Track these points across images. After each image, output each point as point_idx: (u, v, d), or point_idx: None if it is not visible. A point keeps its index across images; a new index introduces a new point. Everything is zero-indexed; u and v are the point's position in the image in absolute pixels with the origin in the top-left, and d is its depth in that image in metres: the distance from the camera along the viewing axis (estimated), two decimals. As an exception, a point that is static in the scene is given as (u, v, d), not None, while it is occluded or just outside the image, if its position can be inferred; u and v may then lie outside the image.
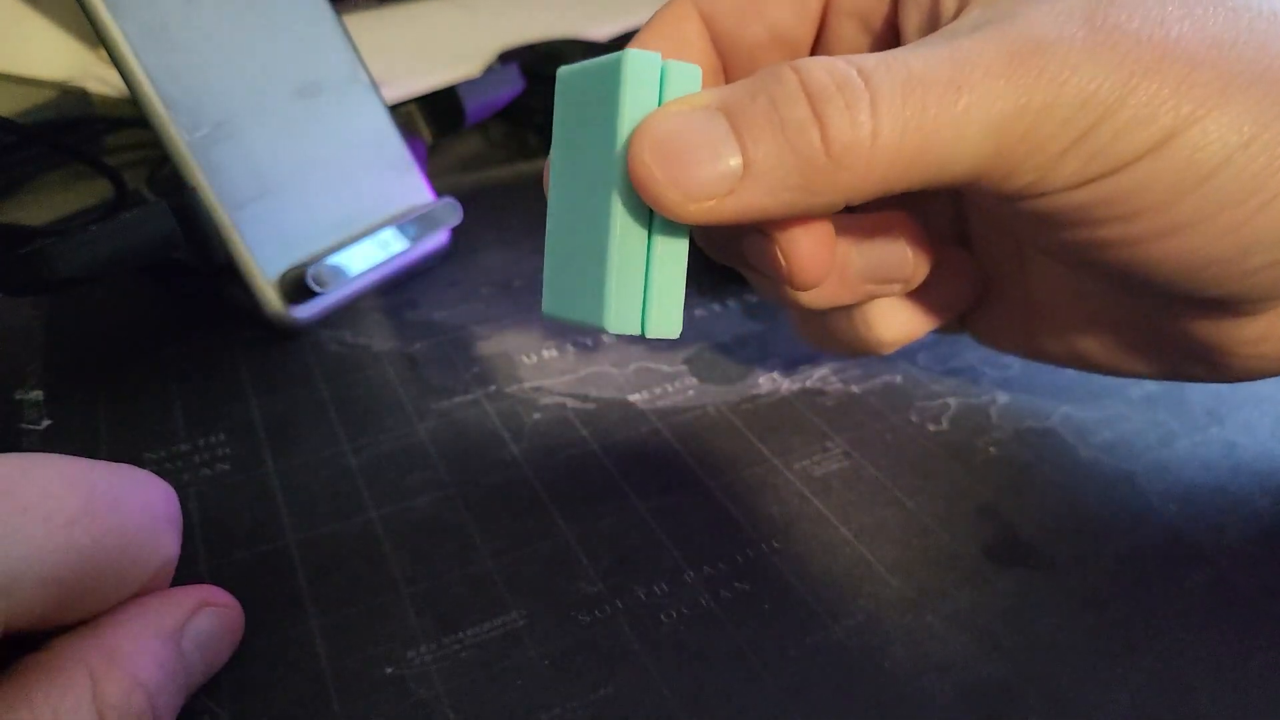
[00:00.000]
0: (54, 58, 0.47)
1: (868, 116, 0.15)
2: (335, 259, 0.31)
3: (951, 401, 0.27)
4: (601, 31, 0.57)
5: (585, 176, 0.18)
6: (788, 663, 0.19)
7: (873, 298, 0.22)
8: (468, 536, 0.23)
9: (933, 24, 0.19)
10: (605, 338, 0.31)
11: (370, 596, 0.21)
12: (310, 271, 0.29)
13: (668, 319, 0.18)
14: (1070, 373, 0.28)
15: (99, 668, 0.16)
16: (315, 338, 0.31)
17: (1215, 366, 0.20)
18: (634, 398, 0.28)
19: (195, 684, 0.18)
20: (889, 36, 0.20)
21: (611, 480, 0.25)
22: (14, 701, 0.15)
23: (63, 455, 0.17)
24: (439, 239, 0.35)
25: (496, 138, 0.47)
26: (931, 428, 0.26)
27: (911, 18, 0.19)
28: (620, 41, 0.57)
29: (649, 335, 0.18)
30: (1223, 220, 0.16)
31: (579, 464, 0.25)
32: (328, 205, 0.32)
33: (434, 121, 0.38)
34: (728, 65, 0.21)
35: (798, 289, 0.19)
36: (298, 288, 0.30)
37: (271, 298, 0.30)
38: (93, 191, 0.39)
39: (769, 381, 0.28)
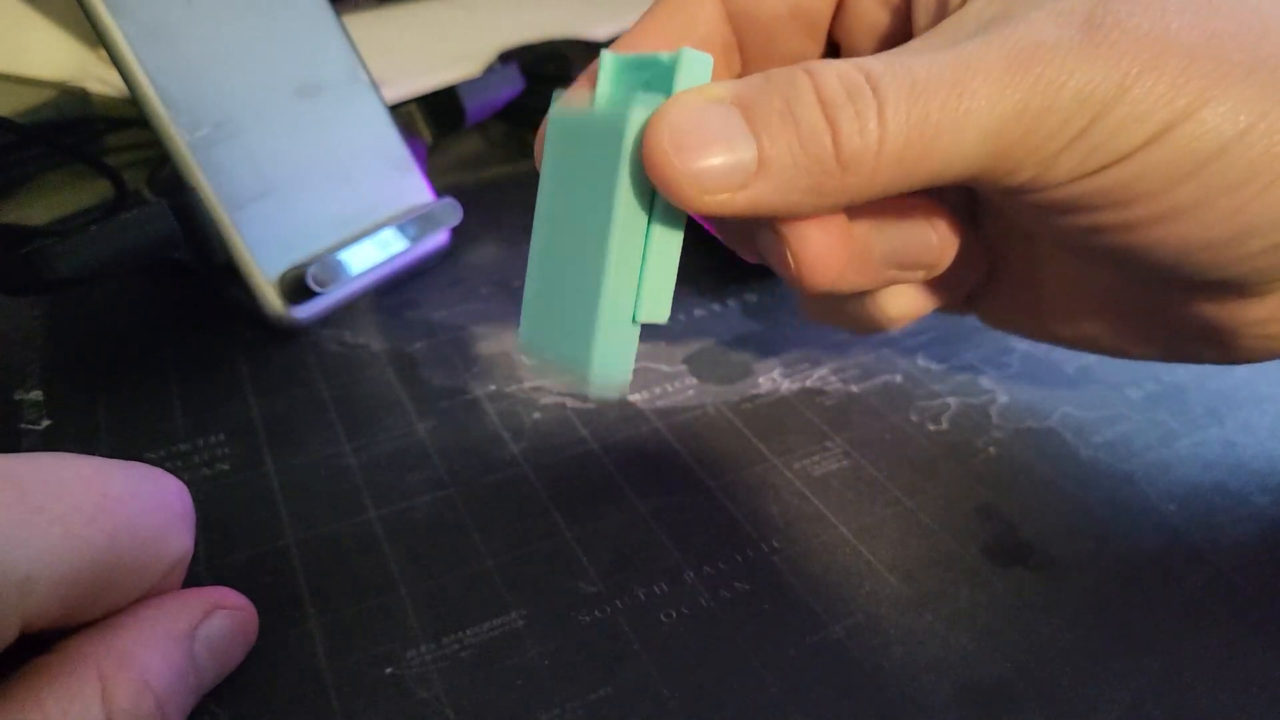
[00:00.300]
0: (54, 58, 0.47)
1: (875, 124, 0.16)
2: (335, 259, 0.31)
3: (951, 401, 0.27)
4: (601, 31, 0.57)
5: (577, 223, 0.18)
6: (788, 663, 0.19)
7: (894, 283, 0.21)
8: (468, 536, 0.23)
9: (941, 3, 0.19)
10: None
11: (370, 596, 0.21)
12: (310, 271, 0.29)
13: (658, 305, 0.18)
14: (1070, 372, 0.28)
15: (109, 670, 0.16)
16: (315, 338, 0.31)
17: (1223, 348, 0.20)
18: (634, 397, 0.28)
19: (206, 687, 0.18)
20: (907, 11, 0.20)
21: (611, 480, 0.25)
22: (24, 704, 0.15)
23: (76, 454, 0.17)
24: (439, 239, 0.35)
25: (496, 138, 0.47)
26: (931, 428, 0.26)
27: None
28: (620, 41, 0.57)
29: (640, 321, 0.18)
30: (1220, 206, 0.16)
31: (579, 464, 0.25)
32: (328, 205, 0.32)
33: (434, 121, 0.38)
34: (743, 42, 0.21)
35: (806, 291, 0.19)
36: (298, 288, 0.30)
37: (271, 298, 0.30)
38: (93, 191, 0.39)
39: (769, 381, 0.28)
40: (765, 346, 0.30)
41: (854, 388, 0.28)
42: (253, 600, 0.20)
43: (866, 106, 0.16)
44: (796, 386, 0.28)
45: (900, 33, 0.20)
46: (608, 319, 0.17)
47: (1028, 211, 0.18)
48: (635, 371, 0.29)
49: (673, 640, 0.20)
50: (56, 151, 0.43)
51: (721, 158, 0.16)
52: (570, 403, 0.28)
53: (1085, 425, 0.26)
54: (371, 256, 0.32)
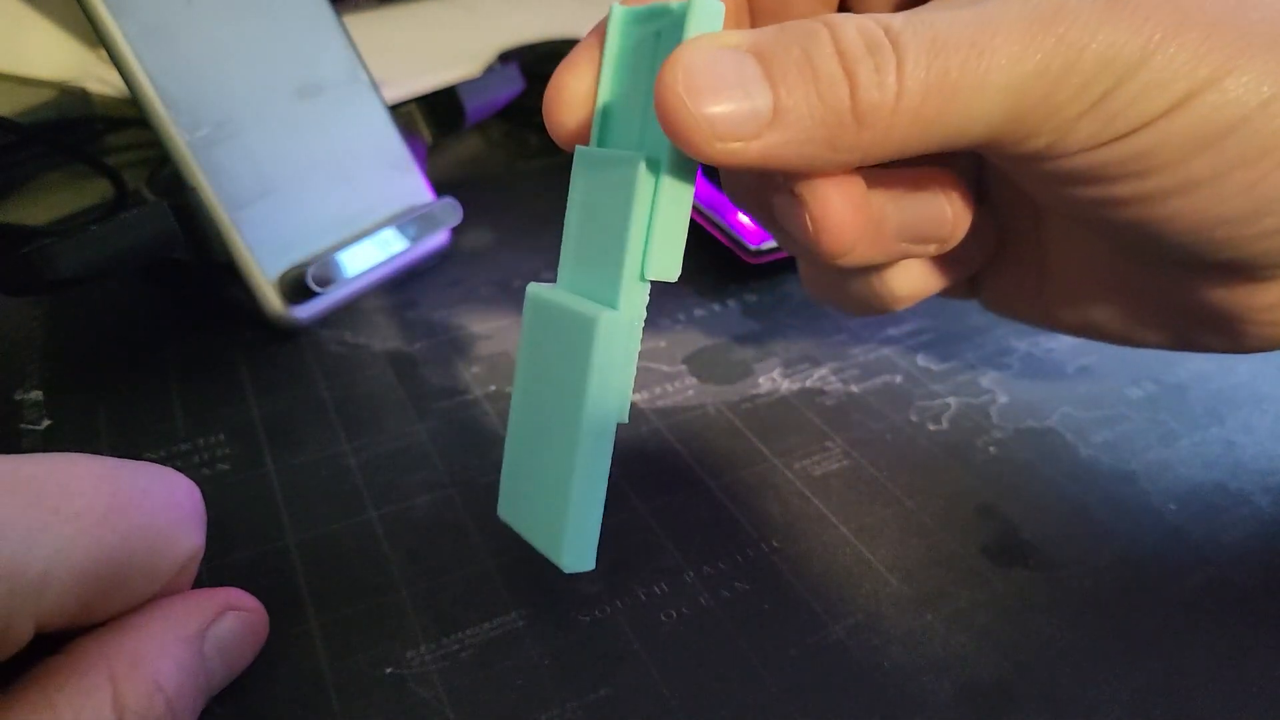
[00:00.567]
0: (54, 58, 0.47)
1: (894, 78, 0.15)
2: (335, 259, 0.31)
3: (951, 401, 0.27)
4: (601, 31, 0.57)
5: (550, 403, 0.19)
6: (788, 663, 0.19)
7: (906, 257, 0.21)
8: (468, 536, 0.23)
9: None
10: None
11: (370, 596, 0.21)
12: (310, 271, 0.29)
13: (668, 263, 0.18)
14: (1070, 372, 0.28)
15: (120, 671, 0.16)
16: (315, 338, 0.31)
17: (1231, 335, 0.20)
18: (634, 397, 0.28)
19: (216, 688, 0.18)
20: None
21: (611, 480, 0.24)
22: (36, 705, 0.15)
23: (88, 455, 0.17)
24: (439, 239, 0.35)
25: (496, 138, 0.47)
26: (931, 428, 0.26)
27: None
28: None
29: (649, 278, 0.18)
30: (1236, 179, 0.16)
31: (579, 464, 0.25)
32: (328, 205, 0.32)
33: (434, 121, 0.38)
34: (755, 6, 0.21)
35: (824, 258, 0.19)
36: (298, 288, 0.30)
37: (271, 298, 0.30)
38: (93, 191, 0.39)
39: (769, 381, 0.28)
40: (765, 346, 0.30)
41: (854, 388, 0.28)
42: (253, 600, 0.20)
43: (885, 60, 0.15)
44: (796, 386, 0.28)
45: None
46: (576, 519, 0.18)
47: (1041, 182, 0.18)
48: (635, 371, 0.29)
49: (673, 640, 0.20)
50: (56, 151, 0.43)
51: (736, 104, 0.16)
52: (570, 403, 0.28)
53: (1085, 425, 0.26)
54: (371, 256, 0.32)
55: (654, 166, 0.17)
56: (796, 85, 0.16)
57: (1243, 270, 0.18)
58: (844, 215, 0.18)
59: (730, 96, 0.16)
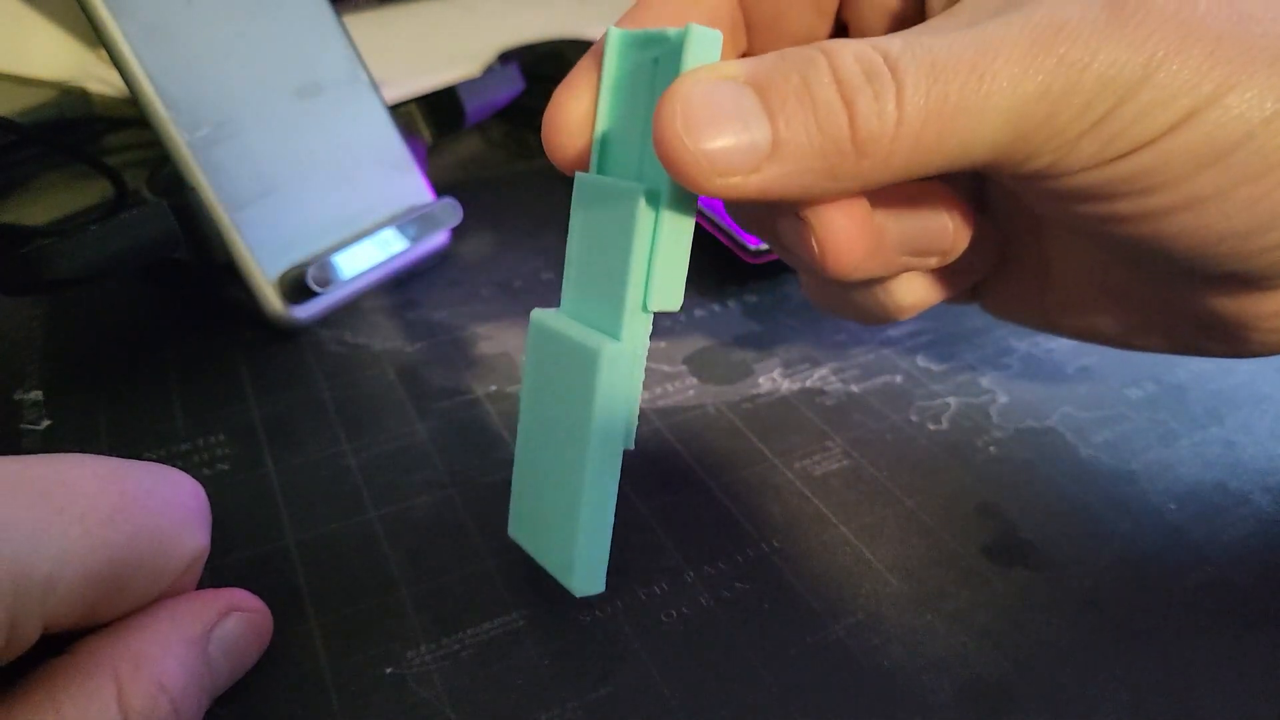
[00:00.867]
0: (54, 58, 0.47)
1: (893, 106, 0.15)
2: (335, 259, 0.31)
3: (951, 401, 0.27)
4: (601, 31, 0.57)
5: (556, 429, 0.19)
6: (788, 663, 0.19)
7: (908, 269, 0.21)
8: (468, 536, 0.23)
9: None
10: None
11: (370, 596, 0.21)
12: (310, 271, 0.29)
13: (670, 294, 0.18)
14: (1070, 372, 0.28)
15: (125, 673, 0.16)
16: (315, 338, 0.31)
17: (1234, 341, 0.20)
18: (634, 398, 0.28)
19: (220, 689, 0.18)
20: None
21: (611, 480, 0.25)
22: (41, 706, 0.15)
23: (93, 455, 0.17)
24: (439, 239, 0.35)
25: (496, 138, 0.47)
26: (931, 427, 0.26)
27: None
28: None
29: (651, 310, 0.18)
30: (1241, 195, 0.16)
31: (579, 464, 0.25)
32: (328, 205, 0.32)
33: (434, 121, 0.38)
34: (750, 19, 0.21)
35: (831, 277, 0.19)
36: (298, 288, 0.30)
37: (271, 298, 0.30)
38: (93, 191, 0.39)
39: (769, 381, 0.28)
40: (765, 346, 0.30)
41: (854, 388, 0.28)
42: (253, 600, 0.20)
43: (884, 88, 0.15)
44: (796, 386, 0.28)
45: (912, 13, 0.20)
46: (585, 544, 0.19)
47: (1044, 199, 0.18)
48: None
49: (673, 640, 0.20)
50: (56, 151, 0.43)
51: (735, 138, 0.16)
52: (570, 403, 0.28)
53: (1085, 425, 0.26)
54: (371, 256, 0.32)
55: (654, 199, 0.17)
56: (795, 116, 0.16)
57: (1246, 281, 0.18)
58: (850, 237, 0.18)
59: (729, 131, 0.16)
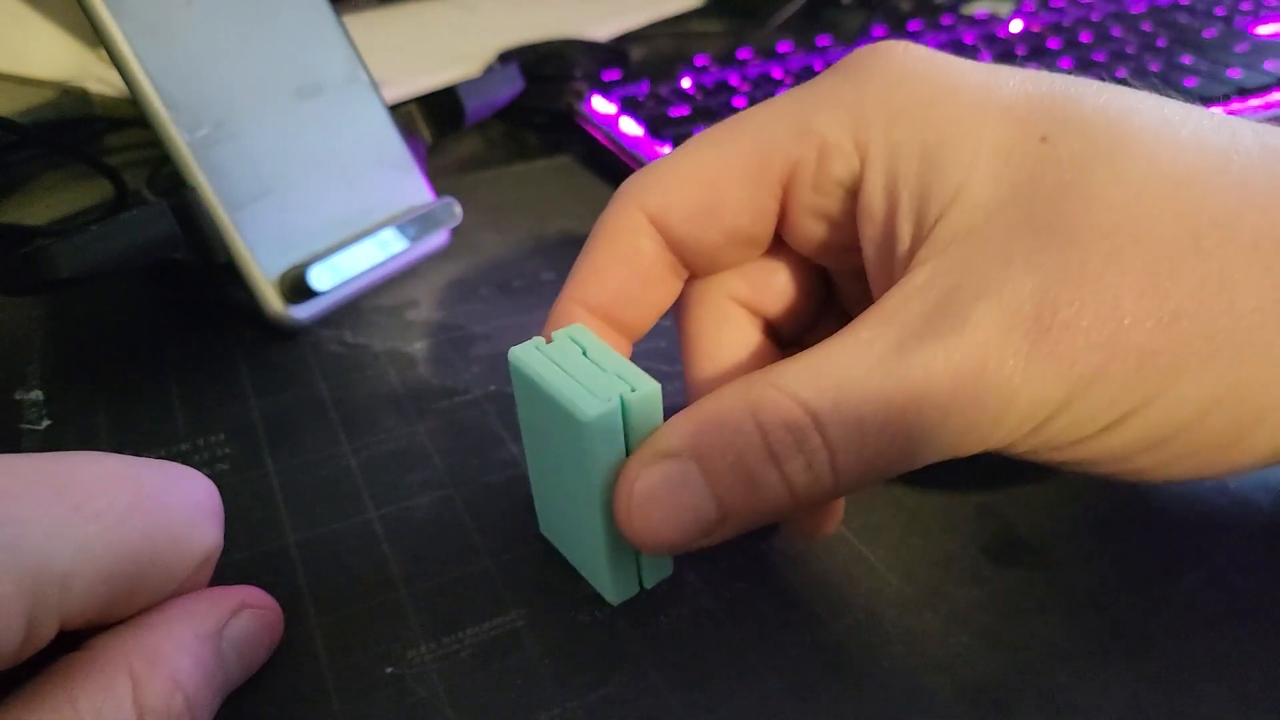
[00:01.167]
0: (54, 58, 0.47)
1: (828, 470, 0.17)
2: (335, 259, 0.31)
3: (951, 401, 0.27)
4: (601, 31, 0.57)
5: (560, 468, 0.19)
6: (788, 663, 0.19)
7: None
8: (468, 536, 0.23)
9: (888, 242, 0.19)
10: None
11: (370, 596, 0.21)
12: (310, 271, 0.29)
13: (661, 569, 0.21)
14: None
15: (140, 669, 0.16)
16: (315, 338, 0.31)
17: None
18: (634, 398, 0.28)
19: (232, 686, 0.18)
20: (849, 225, 0.20)
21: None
22: (58, 703, 0.15)
23: (108, 453, 0.17)
24: (439, 239, 0.35)
25: (496, 138, 0.47)
26: (931, 427, 0.26)
27: (866, 229, 0.20)
28: (621, 41, 0.57)
29: (647, 587, 0.21)
30: (1180, 466, 0.17)
31: (579, 464, 0.25)
32: (328, 205, 0.32)
33: (434, 121, 0.38)
34: (685, 260, 0.21)
35: (817, 540, 0.22)
36: (298, 288, 0.30)
37: (271, 298, 0.30)
38: (93, 191, 0.39)
39: (769, 381, 0.28)
40: (765, 346, 0.30)
41: (854, 388, 0.28)
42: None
43: (817, 457, 0.17)
44: (796, 386, 0.28)
45: (847, 240, 0.21)
46: (615, 563, 0.20)
47: None
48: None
49: (673, 640, 0.20)
50: (56, 151, 0.43)
51: (686, 521, 0.17)
52: (570, 403, 0.28)
53: (1085, 425, 0.26)
54: (371, 256, 0.32)
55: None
56: (736, 492, 0.17)
57: None
58: (834, 521, 0.21)
59: (680, 518, 0.17)
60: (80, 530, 0.15)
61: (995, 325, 0.16)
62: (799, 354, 0.18)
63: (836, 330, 0.18)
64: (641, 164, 0.39)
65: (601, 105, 0.44)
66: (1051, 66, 0.45)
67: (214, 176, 0.29)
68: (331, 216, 0.32)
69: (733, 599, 0.21)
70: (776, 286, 0.22)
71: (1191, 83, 0.42)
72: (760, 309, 0.23)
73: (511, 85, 0.40)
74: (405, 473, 0.25)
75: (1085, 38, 0.50)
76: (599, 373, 0.18)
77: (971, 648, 0.20)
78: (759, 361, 0.22)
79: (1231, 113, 0.36)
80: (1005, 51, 0.48)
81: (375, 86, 0.35)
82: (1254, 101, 0.42)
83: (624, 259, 0.21)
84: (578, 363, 0.18)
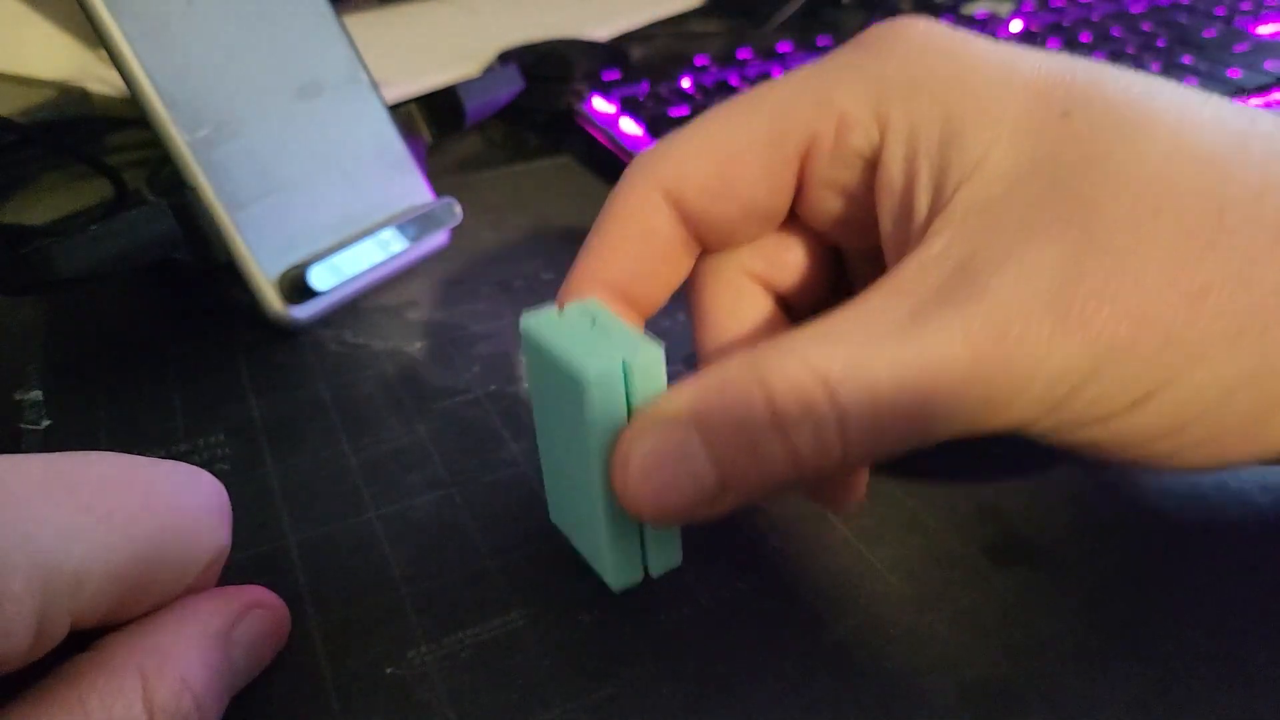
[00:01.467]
0: (54, 58, 0.47)
1: (837, 440, 0.16)
2: (335, 259, 0.31)
3: (952, 401, 0.27)
4: (601, 31, 0.57)
5: (567, 439, 0.19)
6: (788, 663, 0.19)
7: None
8: (468, 536, 0.23)
9: (905, 214, 0.19)
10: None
11: (370, 596, 0.21)
12: (310, 271, 0.29)
13: (668, 560, 0.20)
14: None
15: (150, 669, 0.16)
16: (315, 337, 0.31)
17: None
18: (634, 398, 0.28)
19: (239, 686, 0.18)
20: (866, 199, 0.20)
21: (612, 480, 0.25)
22: (68, 703, 0.15)
23: (117, 453, 0.17)
24: (439, 239, 0.35)
25: (496, 138, 0.47)
26: (932, 427, 0.26)
27: (884, 201, 0.19)
28: (621, 41, 0.57)
29: (654, 576, 0.19)
30: (1199, 453, 0.17)
31: (579, 464, 0.25)
32: (328, 205, 0.32)
33: (434, 121, 0.38)
34: (700, 236, 0.21)
35: (839, 513, 0.21)
36: (298, 287, 0.30)
37: (271, 298, 0.30)
38: (93, 191, 0.39)
39: (769, 381, 0.28)
40: (765, 346, 0.30)
41: (854, 388, 0.28)
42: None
43: (826, 425, 0.16)
44: (797, 386, 0.28)
45: (864, 216, 0.20)
46: (614, 546, 0.19)
47: None
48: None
49: (673, 640, 0.20)
50: (56, 151, 0.43)
51: (686, 488, 0.16)
52: (570, 403, 0.28)
53: (1085, 425, 0.26)
54: (371, 256, 0.32)
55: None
56: (738, 461, 0.16)
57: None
58: (857, 493, 0.21)
59: (679, 484, 0.16)
60: (91, 530, 0.15)
61: (1016, 293, 0.16)
62: (808, 323, 0.17)
63: None
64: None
65: (601, 105, 0.44)
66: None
67: (214, 176, 0.29)
68: (332, 216, 0.32)
69: (733, 599, 0.21)
70: (790, 263, 0.22)
71: (1192, 82, 0.42)
72: (774, 284, 0.22)
73: (511, 85, 0.40)
74: (405, 472, 0.25)
75: (1085, 38, 0.50)
76: (605, 339, 0.18)
77: (973, 648, 0.20)
78: (772, 335, 0.21)
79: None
80: (1005, 51, 0.48)
81: (375, 86, 0.35)
82: (1254, 101, 0.42)
83: (637, 234, 0.20)
84: (586, 331, 0.18)
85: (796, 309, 0.23)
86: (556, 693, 0.19)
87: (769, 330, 0.22)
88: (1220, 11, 0.53)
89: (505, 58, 0.51)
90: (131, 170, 0.38)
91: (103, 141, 0.46)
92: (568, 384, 0.17)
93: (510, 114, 0.46)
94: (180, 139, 0.28)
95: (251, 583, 0.20)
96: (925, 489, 0.24)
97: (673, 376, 0.17)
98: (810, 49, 0.50)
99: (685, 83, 0.46)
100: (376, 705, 0.19)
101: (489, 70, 0.50)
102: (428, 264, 0.35)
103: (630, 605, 0.21)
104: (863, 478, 0.21)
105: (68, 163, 0.43)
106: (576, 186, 0.42)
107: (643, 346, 0.17)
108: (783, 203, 0.21)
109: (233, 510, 0.24)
